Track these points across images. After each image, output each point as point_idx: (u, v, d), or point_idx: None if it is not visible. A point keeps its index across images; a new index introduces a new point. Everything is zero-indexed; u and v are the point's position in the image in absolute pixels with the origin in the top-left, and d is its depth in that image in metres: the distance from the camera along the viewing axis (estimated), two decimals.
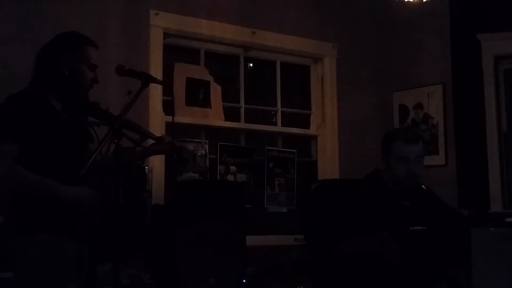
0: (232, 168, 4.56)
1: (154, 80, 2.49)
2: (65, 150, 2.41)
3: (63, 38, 2.54)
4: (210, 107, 4.58)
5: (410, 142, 2.91)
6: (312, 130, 5.10)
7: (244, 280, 3.84)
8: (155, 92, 4.17)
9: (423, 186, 3.03)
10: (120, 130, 2.22)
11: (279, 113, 4.99)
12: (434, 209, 3.04)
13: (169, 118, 4.23)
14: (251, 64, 5.04)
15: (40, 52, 2.51)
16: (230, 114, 4.73)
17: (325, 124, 5.04)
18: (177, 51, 4.57)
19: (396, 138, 2.94)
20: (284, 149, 4.89)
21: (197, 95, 4.53)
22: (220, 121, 4.62)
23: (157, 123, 4.19)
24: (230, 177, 4.54)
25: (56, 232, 2.34)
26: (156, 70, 4.18)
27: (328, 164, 4.97)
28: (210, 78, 4.62)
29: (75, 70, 2.46)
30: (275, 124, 5.00)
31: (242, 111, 4.80)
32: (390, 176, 2.97)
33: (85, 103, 2.51)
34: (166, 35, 4.36)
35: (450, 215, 3.09)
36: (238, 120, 4.77)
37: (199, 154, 4.44)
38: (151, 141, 2.68)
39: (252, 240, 4.04)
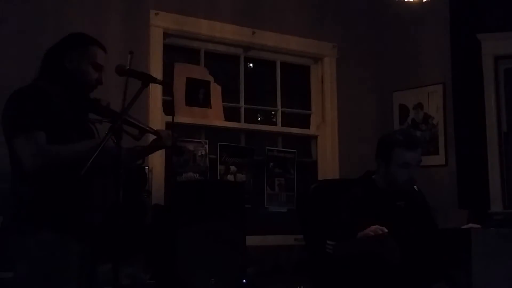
0: (232, 168, 4.56)
1: (154, 80, 2.48)
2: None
3: (71, 37, 2.57)
4: (210, 107, 4.58)
5: (411, 149, 2.90)
6: (312, 130, 5.10)
7: (244, 280, 3.84)
8: (155, 92, 4.17)
9: (414, 187, 3.03)
10: (120, 130, 2.21)
11: (279, 113, 4.99)
12: (423, 211, 3.04)
13: (169, 118, 4.22)
14: (251, 64, 5.04)
15: (48, 49, 2.54)
16: (230, 114, 4.73)
17: (325, 124, 5.04)
18: (177, 51, 4.57)
19: (397, 145, 2.91)
20: (284, 149, 4.89)
21: (197, 95, 4.53)
22: (220, 121, 4.62)
23: (157, 123, 4.18)
24: (230, 177, 4.54)
25: (60, 231, 2.35)
26: (156, 70, 4.18)
27: (328, 164, 4.97)
28: (210, 78, 4.62)
29: (80, 67, 2.49)
30: (275, 124, 5.00)
31: (242, 111, 4.80)
32: (386, 180, 2.96)
33: (86, 99, 2.52)
34: (166, 35, 4.37)
35: (429, 225, 3.08)
36: (238, 120, 4.77)
37: (199, 154, 4.44)
38: (150, 137, 2.68)
39: (252, 240, 4.05)
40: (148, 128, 2.62)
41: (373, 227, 2.71)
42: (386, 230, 2.69)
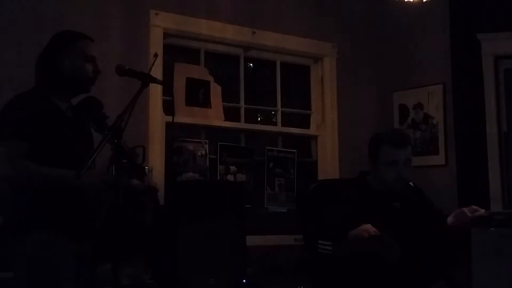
0: (232, 168, 4.56)
1: (154, 80, 2.49)
2: (70, 150, 2.42)
3: (56, 37, 2.57)
4: (210, 107, 4.58)
5: (399, 147, 2.87)
6: (312, 130, 5.10)
7: (244, 280, 3.83)
8: (155, 92, 4.17)
9: (410, 183, 3.00)
10: (121, 131, 2.21)
11: (279, 113, 4.99)
12: (422, 207, 3.02)
13: (169, 118, 4.23)
14: (251, 64, 5.04)
15: (39, 54, 2.55)
16: (230, 114, 4.73)
17: (325, 124, 5.04)
18: (177, 51, 4.57)
19: (384, 143, 2.90)
20: (284, 149, 4.89)
21: (197, 95, 4.53)
22: (220, 121, 4.62)
23: (157, 123, 4.19)
24: (230, 177, 4.54)
25: (56, 232, 2.35)
26: (156, 70, 4.15)
27: (328, 164, 4.97)
28: (210, 78, 4.62)
29: (73, 65, 2.49)
30: (275, 124, 5.00)
31: (242, 111, 4.80)
32: (378, 180, 2.94)
33: (98, 110, 2.51)
34: (166, 35, 4.36)
35: (434, 215, 3.05)
36: (238, 120, 4.77)
37: (199, 154, 4.44)
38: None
39: (252, 240, 4.05)
40: (137, 166, 2.58)
41: (364, 226, 2.69)
42: (375, 230, 2.67)
